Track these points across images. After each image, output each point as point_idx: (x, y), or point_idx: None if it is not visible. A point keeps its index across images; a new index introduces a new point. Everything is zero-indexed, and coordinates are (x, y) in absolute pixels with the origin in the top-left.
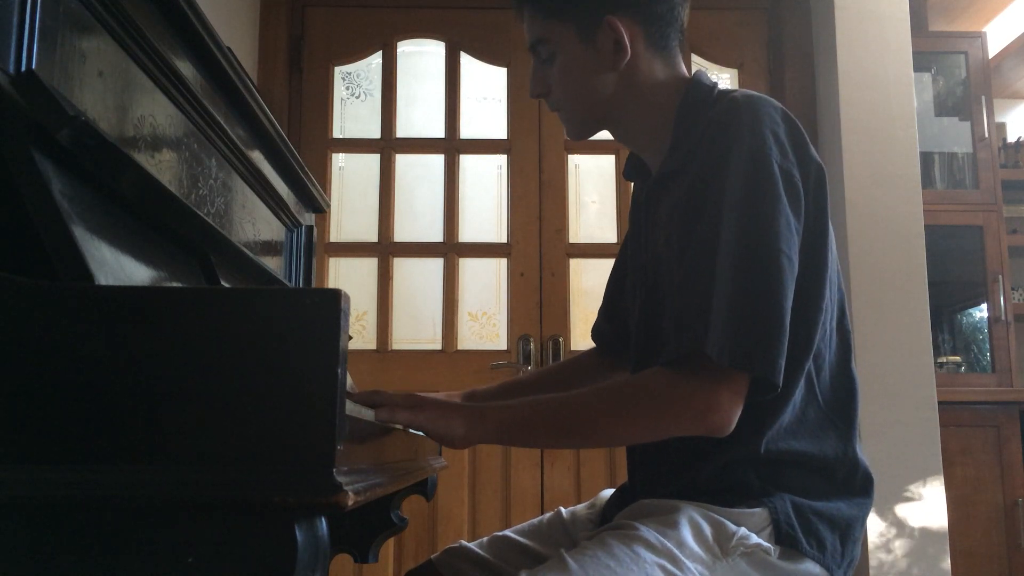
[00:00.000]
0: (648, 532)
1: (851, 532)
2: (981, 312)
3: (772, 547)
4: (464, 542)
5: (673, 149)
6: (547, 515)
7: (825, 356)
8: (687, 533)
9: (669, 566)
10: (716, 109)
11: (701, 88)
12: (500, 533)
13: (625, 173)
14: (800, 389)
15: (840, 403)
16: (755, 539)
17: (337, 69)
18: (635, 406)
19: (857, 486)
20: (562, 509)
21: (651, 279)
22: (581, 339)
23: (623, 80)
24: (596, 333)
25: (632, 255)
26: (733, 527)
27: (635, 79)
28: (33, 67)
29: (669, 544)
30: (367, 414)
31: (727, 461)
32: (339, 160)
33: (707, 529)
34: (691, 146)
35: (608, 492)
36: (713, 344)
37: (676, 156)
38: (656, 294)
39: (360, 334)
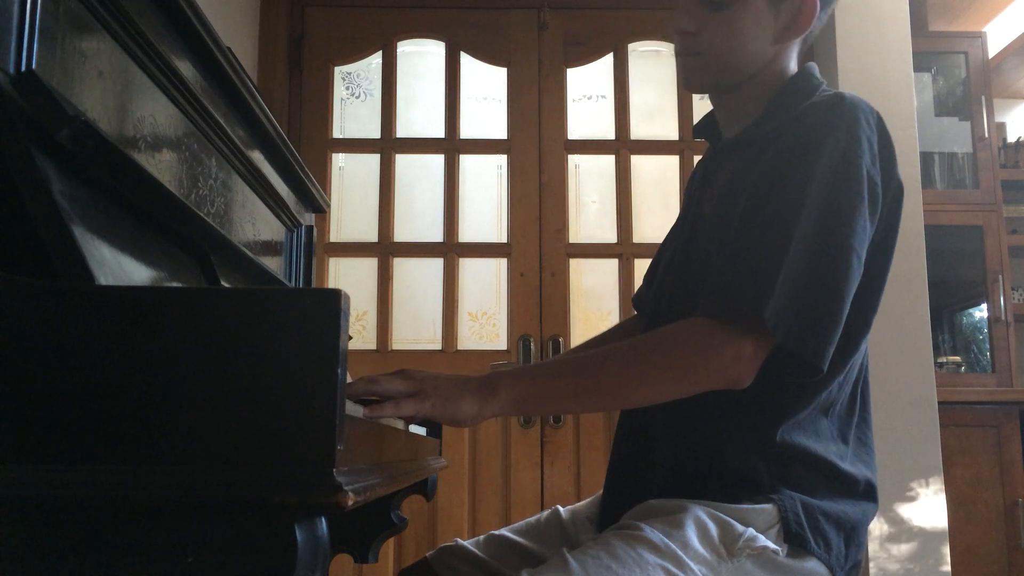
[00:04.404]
0: (652, 533)
1: (855, 535)
2: (981, 312)
3: (780, 548)
4: (459, 540)
5: (758, 124)
6: (544, 513)
7: (853, 372)
8: (692, 534)
9: (672, 568)
10: (820, 97)
11: (811, 79)
12: (496, 532)
13: (696, 129)
14: (830, 393)
15: (841, 418)
16: (762, 541)
17: (337, 69)
18: (663, 357)
19: (860, 491)
20: (560, 508)
21: (688, 235)
22: (581, 339)
23: (774, 54)
24: (637, 299)
25: (682, 213)
26: (740, 528)
27: (780, 57)
28: (33, 67)
29: (673, 546)
30: (366, 412)
31: (743, 446)
32: (339, 160)
33: (713, 530)
34: (778, 125)
35: None
36: (772, 311)
37: (758, 131)
38: (690, 250)
39: (360, 334)
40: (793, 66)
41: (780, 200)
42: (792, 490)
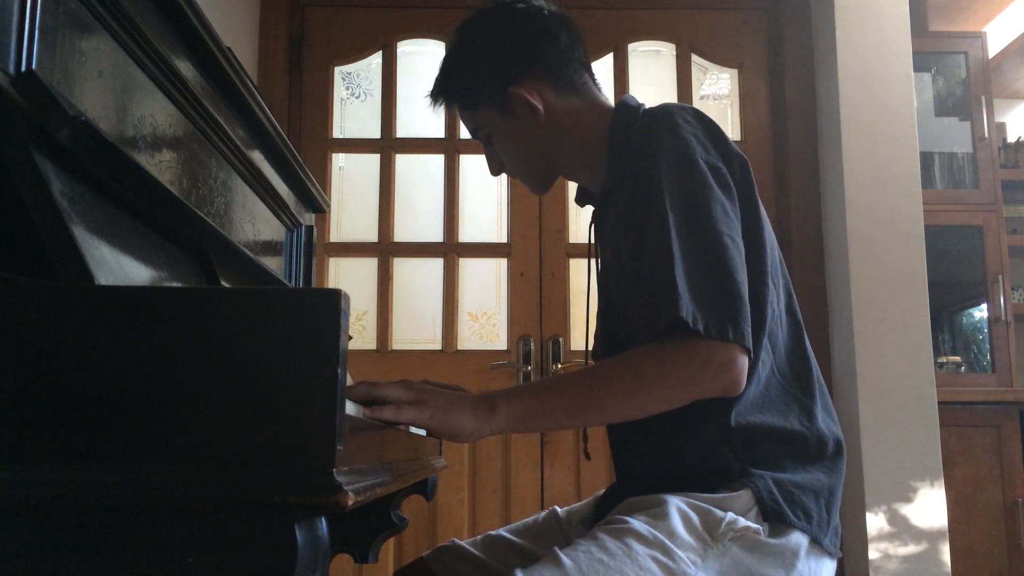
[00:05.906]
0: (639, 524)
1: (833, 499)
2: (981, 312)
3: (761, 526)
4: (457, 540)
5: (609, 171)
6: (542, 514)
7: (778, 336)
8: (677, 523)
9: (661, 557)
10: (638, 125)
11: (627, 110)
12: (494, 532)
13: (576, 199)
14: (763, 364)
15: (799, 379)
16: (743, 522)
17: (337, 69)
18: (658, 371)
19: (829, 453)
20: (557, 508)
21: (604, 289)
22: (581, 339)
23: (552, 130)
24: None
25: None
26: (720, 513)
27: (561, 125)
28: (33, 67)
29: (661, 535)
30: (367, 412)
31: (704, 440)
32: (339, 160)
33: (695, 518)
34: (623, 163)
35: None
36: (688, 312)
37: (612, 176)
38: (609, 304)
39: (360, 334)
40: (591, 103)
41: (651, 227)
42: (762, 469)
